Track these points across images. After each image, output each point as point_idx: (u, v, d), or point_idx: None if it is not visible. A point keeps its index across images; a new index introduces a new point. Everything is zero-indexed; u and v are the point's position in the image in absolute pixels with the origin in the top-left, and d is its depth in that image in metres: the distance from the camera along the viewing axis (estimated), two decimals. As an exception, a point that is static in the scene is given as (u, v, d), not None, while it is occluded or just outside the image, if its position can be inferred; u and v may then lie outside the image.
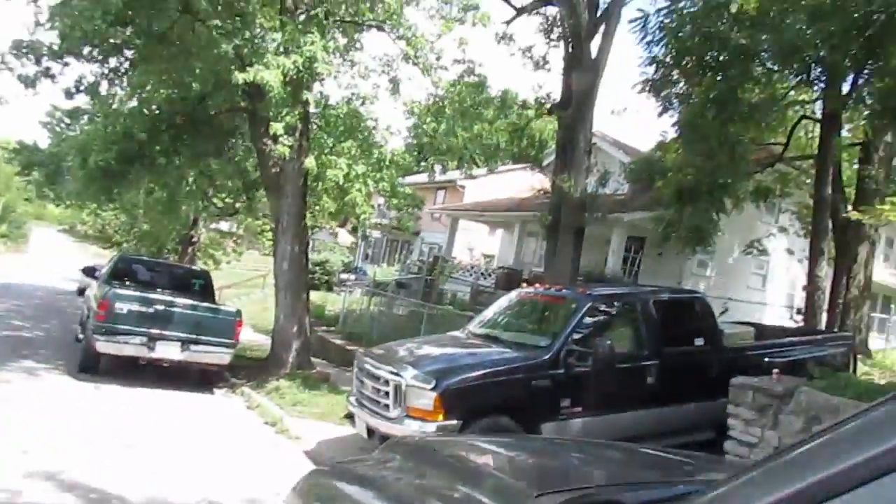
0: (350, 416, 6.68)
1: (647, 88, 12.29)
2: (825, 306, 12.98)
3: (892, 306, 23.60)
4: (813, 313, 12.52)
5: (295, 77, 9.35)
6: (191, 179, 15.13)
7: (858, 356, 10.07)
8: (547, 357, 6.09)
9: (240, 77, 8.93)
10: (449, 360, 6.25)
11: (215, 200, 20.03)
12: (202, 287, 11.76)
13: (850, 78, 11.43)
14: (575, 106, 11.66)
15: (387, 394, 5.85)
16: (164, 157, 12.74)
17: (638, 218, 14.45)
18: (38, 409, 7.09)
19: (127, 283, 10.74)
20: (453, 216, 23.56)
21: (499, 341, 6.74)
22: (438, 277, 19.58)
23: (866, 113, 11.76)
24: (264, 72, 8.86)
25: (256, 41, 9.59)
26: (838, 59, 9.90)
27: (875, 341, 17.39)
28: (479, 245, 27.11)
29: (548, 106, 13.03)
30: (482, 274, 20.27)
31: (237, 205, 20.15)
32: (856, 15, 8.98)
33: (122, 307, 9.11)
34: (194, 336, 9.51)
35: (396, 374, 5.80)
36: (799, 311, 14.99)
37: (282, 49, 9.23)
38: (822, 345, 8.73)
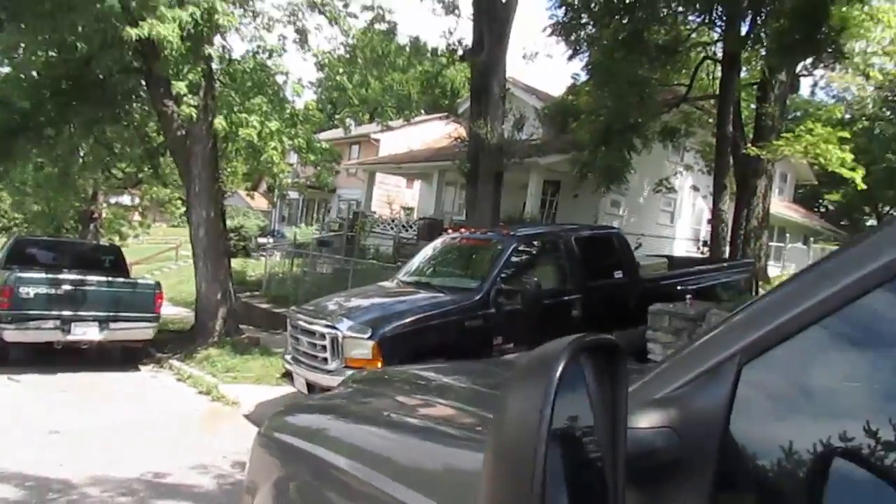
0: (287, 375, 6.63)
1: (558, 31, 12.41)
2: (728, 237, 13.76)
3: (787, 236, 25.54)
4: (718, 244, 13.30)
5: (193, 31, 8.81)
6: (86, 150, 14.11)
7: (759, 281, 10.90)
8: (477, 298, 6.25)
9: (132, 33, 8.30)
10: (382, 309, 6.28)
11: (115, 171, 18.78)
12: (113, 263, 11.17)
13: (749, 19, 11.88)
14: (487, 51, 11.62)
15: (324, 347, 5.84)
16: (52, 126, 11.85)
17: (554, 161, 14.74)
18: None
19: (28, 266, 10.02)
20: (370, 170, 23.23)
21: (429, 287, 6.80)
22: (360, 233, 19.41)
23: (763, 53, 12.25)
24: (159, 26, 8.28)
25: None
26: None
27: (772, 269, 18.79)
28: (397, 198, 26.96)
29: (460, 52, 12.94)
30: (403, 226, 20.23)
31: (140, 174, 19.02)
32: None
33: (28, 291, 8.55)
34: (112, 313, 9.12)
35: (332, 327, 5.79)
36: (705, 243, 15.88)
37: (176, 1, 8.64)
38: (727, 271, 9.45)
